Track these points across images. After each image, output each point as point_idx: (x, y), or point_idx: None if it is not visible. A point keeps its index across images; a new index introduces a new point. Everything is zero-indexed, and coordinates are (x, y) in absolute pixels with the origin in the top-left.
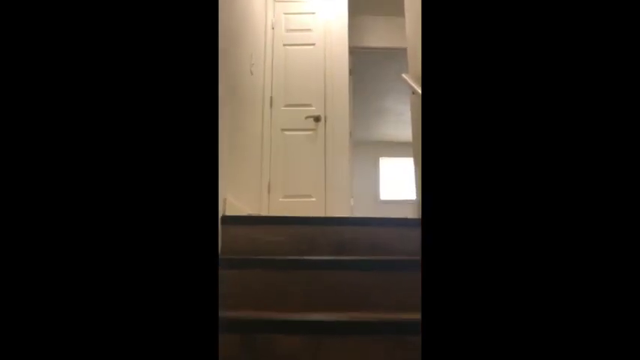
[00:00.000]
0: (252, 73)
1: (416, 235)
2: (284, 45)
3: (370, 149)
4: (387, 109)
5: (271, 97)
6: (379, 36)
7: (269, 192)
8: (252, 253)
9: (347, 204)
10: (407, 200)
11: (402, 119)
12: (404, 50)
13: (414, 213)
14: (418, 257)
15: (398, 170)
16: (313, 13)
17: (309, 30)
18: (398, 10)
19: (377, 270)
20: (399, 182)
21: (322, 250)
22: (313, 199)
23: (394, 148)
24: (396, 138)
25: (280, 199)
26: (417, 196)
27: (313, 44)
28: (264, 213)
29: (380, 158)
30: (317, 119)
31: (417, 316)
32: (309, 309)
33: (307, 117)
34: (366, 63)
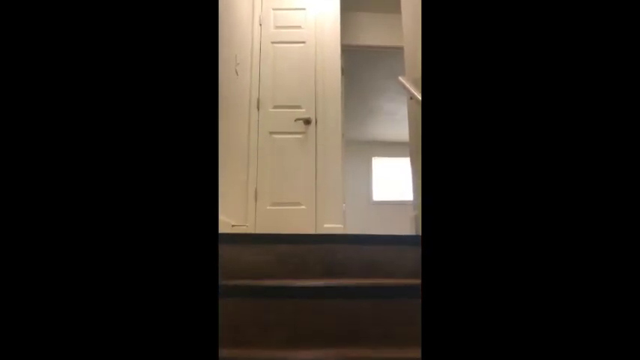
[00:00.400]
0: (237, 74)
1: (414, 254)
2: (272, 43)
3: (362, 149)
4: (380, 109)
5: (258, 99)
6: (373, 34)
7: (256, 199)
8: (235, 275)
9: (339, 212)
10: (401, 201)
11: (395, 119)
12: (399, 49)
13: (411, 221)
14: (418, 280)
15: (391, 170)
16: (303, 9)
17: (298, 27)
18: (393, 6)
19: (372, 298)
20: (392, 182)
21: (312, 271)
22: (303, 207)
23: (387, 148)
24: (389, 137)
25: (268, 207)
26: (414, 199)
27: (303, 42)
28: (250, 223)
29: (373, 158)
30: (307, 122)
31: (417, 354)
32: (296, 345)
33: (297, 119)
34: (358, 61)
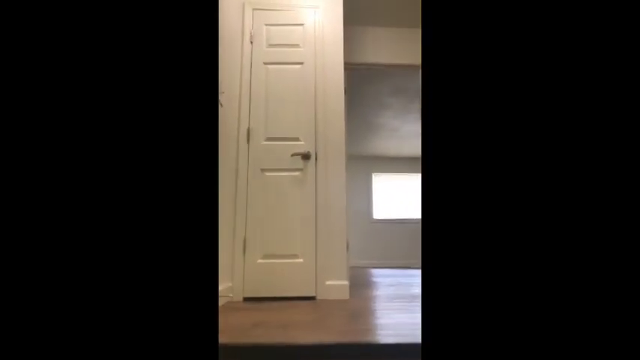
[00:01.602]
0: (221, 105)
1: None
2: (265, 64)
3: (361, 164)
4: (382, 125)
5: (248, 129)
6: (379, 50)
7: (244, 251)
8: None
9: (343, 265)
10: (403, 219)
11: (397, 135)
12: (409, 67)
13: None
14: None
15: (392, 187)
16: (301, 25)
17: (295, 46)
18: (403, 20)
19: None
20: (393, 199)
21: None
22: (300, 261)
23: (388, 163)
24: (390, 152)
25: (259, 261)
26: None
27: (301, 63)
28: (236, 282)
29: (373, 174)
30: (306, 156)
31: None
32: None
33: (294, 154)
34: (361, 78)
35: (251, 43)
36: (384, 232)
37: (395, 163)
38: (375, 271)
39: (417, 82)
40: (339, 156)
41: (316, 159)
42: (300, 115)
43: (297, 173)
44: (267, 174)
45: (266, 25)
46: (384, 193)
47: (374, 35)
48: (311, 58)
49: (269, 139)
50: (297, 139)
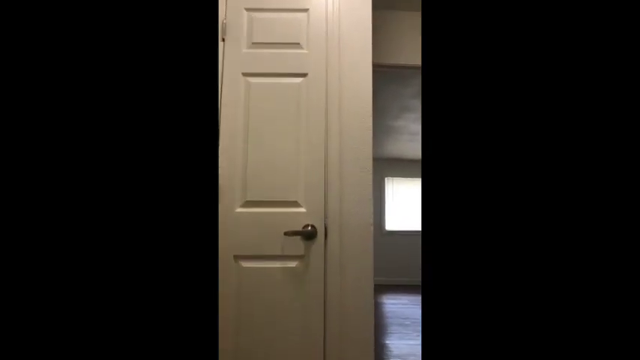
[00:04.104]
0: None
1: None
2: (244, 75)
3: (373, 167)
4: (399, 129)
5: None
6: (408, 49)
7: None
8: None
9: None
10: (419, 232)
11: (415, 139)
12: None
13: None
14: None
15: (408, 193)
16: (304, 11)
17: (295, 45)
18: None
19: None
20: (409, 208)
21: None
22: None
23: (405, 167)
24: (407, 154)
25: None
26: None
27: (304, 75)
28: None
29: (386, 178)
30: (309, 235)
31: None
32: None
33: (289, 232)
34: (383, 81)
35: (222, 40)
36: (397, 246)
37: (412, 167)
38: (388, 301)
39: None
40: (364, 229)
41: (326, 237)
42: (302, 164)
43: (294, 264)
44: (245, 265)
45: (247, 10)
46: (399, 200)
47: (409, 23)
48: (320, 66)
49: (248, 204)
50: (295, 205)
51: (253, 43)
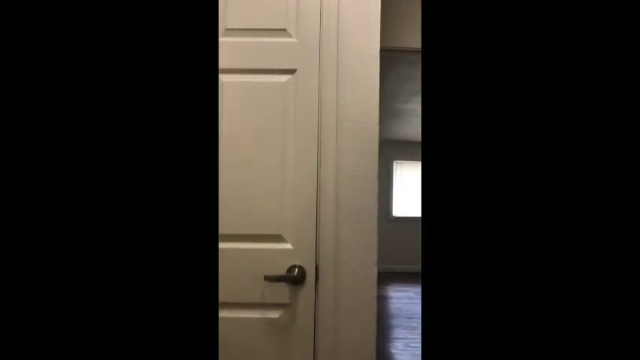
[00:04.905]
0: None
1: None
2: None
3: (380, 150)
4: (409, 112)
5: None
6: (413, 31)
7: None
8: None
9: None
10: None
11: None
12: None
13: None
14: None
15: (416, 177)
16: None
17: (280, 32)
18: None
19: None
20: (416, 192)
21: None
22: None
23: (415, 149)
24: (416, 137)
25: None
26: None
27: (292, 71)
28: None
29: (394, 162)
30: (296, 280)
31: None
32: None
33: (269, 277)
34: (389, 61)
35: None
36: (404, 233)
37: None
38: (393, 294)
39: None
40: (366, 270)
41: (317, 280)
42: (288, 188)
43: (276, 314)
44: (221, 314)
45: None
46: (408, 185)
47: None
48: (312, 60)
49: (220, 238)
50: (278, 239)
51: (227, 30)
